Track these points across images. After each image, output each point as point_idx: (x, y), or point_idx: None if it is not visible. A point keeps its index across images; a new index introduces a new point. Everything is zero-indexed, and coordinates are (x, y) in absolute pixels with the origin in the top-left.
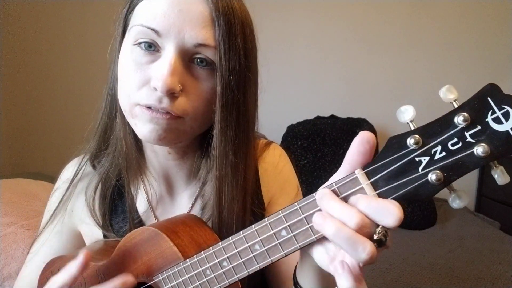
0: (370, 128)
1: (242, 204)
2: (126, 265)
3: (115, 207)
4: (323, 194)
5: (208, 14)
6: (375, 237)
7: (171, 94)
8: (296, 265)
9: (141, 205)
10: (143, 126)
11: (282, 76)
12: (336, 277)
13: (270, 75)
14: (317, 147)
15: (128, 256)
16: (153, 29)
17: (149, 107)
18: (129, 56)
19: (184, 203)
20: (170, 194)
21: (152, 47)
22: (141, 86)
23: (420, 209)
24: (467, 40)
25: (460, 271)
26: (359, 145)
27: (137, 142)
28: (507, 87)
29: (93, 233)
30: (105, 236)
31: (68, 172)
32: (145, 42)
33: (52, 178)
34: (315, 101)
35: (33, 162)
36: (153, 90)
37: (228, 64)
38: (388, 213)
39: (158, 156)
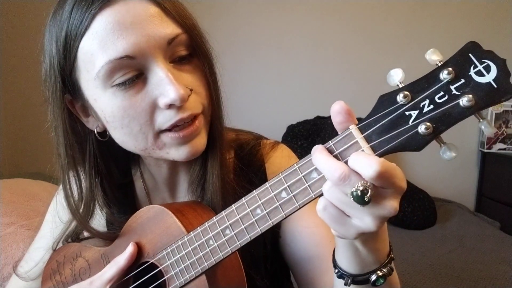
0: None
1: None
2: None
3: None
4: (314, 149)
5: (154, 11)
6: (353, 189)
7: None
8: (334, 249)
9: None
10: (178, 151)
11: (282, 76)
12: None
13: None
14: None
15: (133, 235)
16: (125, 57)
17: (174, 127)
18: (113, 103)
19: None
20: (172, 199)
21: (134, 80)
22: (151, 113)
23: (420, 209)
24: (470, 38)
25: (460, 271)
26: (335, 117)
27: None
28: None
29: (99, 223)
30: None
31: None
32: (127, 80)
33: (52, 178)
34: (315, 101)
35: (33, 162)
36: (165, 109)
37: (201, 39)
38: (368, 165)
39: (161, 168)
